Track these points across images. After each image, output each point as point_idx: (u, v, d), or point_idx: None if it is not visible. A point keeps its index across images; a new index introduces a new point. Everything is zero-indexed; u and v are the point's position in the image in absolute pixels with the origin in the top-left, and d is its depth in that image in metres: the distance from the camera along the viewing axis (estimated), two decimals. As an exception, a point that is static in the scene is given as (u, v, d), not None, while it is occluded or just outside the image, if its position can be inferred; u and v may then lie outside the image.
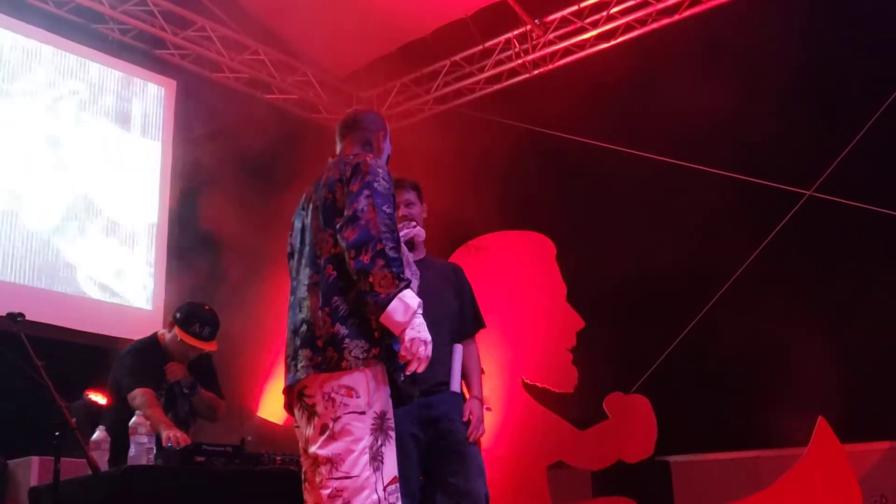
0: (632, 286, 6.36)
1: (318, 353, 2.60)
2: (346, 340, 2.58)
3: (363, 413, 2.55)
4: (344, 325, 2.60)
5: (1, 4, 6.15)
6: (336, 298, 2.64)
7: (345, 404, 2.55)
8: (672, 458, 6.15)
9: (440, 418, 3.52)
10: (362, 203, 2.63)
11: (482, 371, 3.92)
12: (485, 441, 3.93)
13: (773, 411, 5.56)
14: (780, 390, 5.55)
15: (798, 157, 5.90)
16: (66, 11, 6.48)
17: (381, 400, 2.61)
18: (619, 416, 6.05)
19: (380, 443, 2.56)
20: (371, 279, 2.55)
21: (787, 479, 5.17)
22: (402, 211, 3.63)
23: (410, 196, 3.72)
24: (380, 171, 2.73)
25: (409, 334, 2.56)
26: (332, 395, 2.56)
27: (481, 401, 3.71)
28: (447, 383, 3.62)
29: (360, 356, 2.57)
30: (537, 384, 6.38)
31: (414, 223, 3.65)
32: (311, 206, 2.84)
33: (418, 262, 3.53)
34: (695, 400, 5.94)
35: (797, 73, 5.89)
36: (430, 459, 3.51)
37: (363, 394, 2.56)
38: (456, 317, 3.75)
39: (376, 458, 2.54)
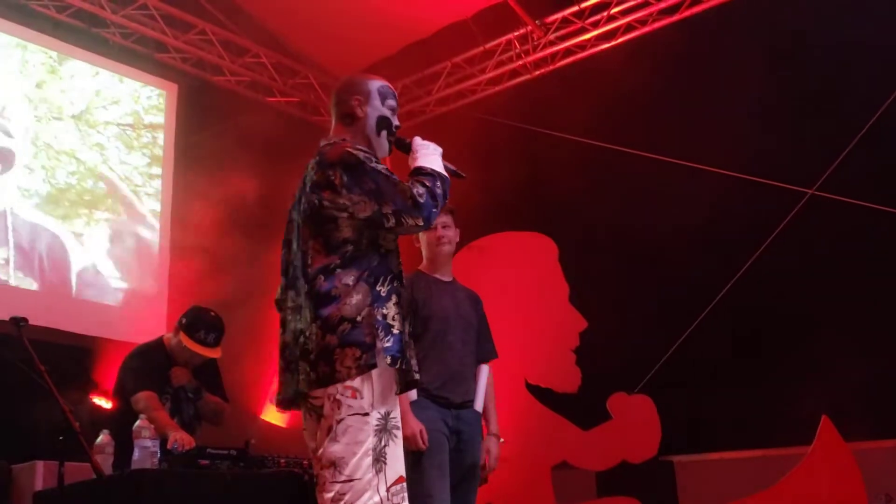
0: (634, 286, 6.36)
1: (313, 369, 2.58)
2: (337, 351, 2.55)
3: (367, 414, 2.54)
4: (334, 335, 2.57)
5: (1, 8, 6.17)
6: (326, 310, 2.59)
7: (349, 406, 2.54)
8: (676, 458, 6.14)
9: (464, 432, 3.80)
10: (385, 192, 2.63)
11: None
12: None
13: (777, 410, 5.56)
14: (784, 389, 5.55)
15: (800, 156, 5.89)
16: (68, 16, 6.49)
17: (386, 400, 2.60)
18: (623, 416, 6.06)
19: (383, 443, 2.56)
20: (431, 194, 2.67)
21: (792, 478, 5.17)
22: (438, 232, 3.88)
23: (446, 219, 3.93)
24: (360, 154, 2.67)
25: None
26: (337, 396, 2.55)
27: (499, 437, 3.99)
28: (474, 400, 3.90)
29: (352, 365, 2.54)
30: (540, 385, 6.38)
31: None
32: (299, 206, 2.76)
33: (449, 284, 3.95)
34: (698, 400, 5.93)
35: (799, 71, 5.89)
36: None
37: (366, 394, 2.55)
38: (478, 339, 4.00)
39: (379, 460, 2.54)
